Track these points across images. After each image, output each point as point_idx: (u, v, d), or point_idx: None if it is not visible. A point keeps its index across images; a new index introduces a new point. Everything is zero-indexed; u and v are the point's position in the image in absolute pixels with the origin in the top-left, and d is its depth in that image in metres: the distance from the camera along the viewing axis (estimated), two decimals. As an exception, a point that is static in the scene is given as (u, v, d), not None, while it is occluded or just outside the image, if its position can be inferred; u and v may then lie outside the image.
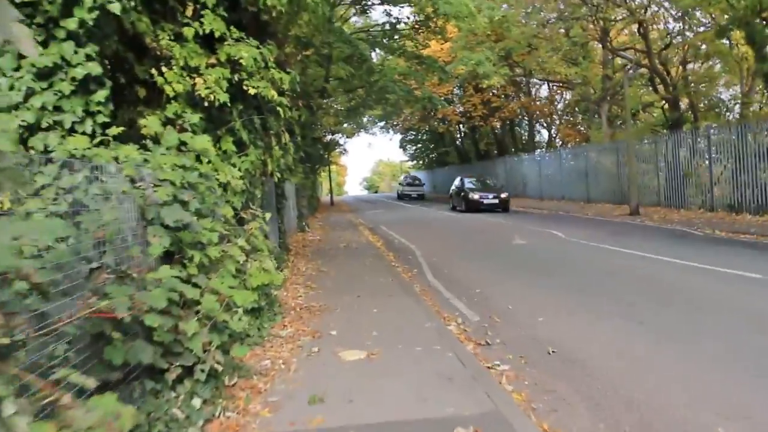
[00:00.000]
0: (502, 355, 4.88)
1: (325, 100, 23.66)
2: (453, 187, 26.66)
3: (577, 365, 4.43)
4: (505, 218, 18.82)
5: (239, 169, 5.53)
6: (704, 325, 5.33)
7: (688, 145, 18.69)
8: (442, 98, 31.43)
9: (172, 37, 5.33)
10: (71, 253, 2.57)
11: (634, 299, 6.41)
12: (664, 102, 26.25)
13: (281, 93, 6.09)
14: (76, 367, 2.33)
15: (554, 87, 34.38)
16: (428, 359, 4.55)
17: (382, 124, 48.60)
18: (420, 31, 24.03)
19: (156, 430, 2.93)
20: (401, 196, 42.10)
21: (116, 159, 3.35)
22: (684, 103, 25.12)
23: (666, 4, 22.42)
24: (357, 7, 23.53)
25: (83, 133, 3.80)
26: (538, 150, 36.21)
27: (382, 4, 22.46)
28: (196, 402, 3.32)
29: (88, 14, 4.12)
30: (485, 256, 10.79)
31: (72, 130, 3.92)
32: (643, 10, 22.18)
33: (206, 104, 5.55)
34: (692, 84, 24.92)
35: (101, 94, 4.11)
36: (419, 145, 56.31)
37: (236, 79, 5.79)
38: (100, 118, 4.08)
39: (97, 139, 3.62)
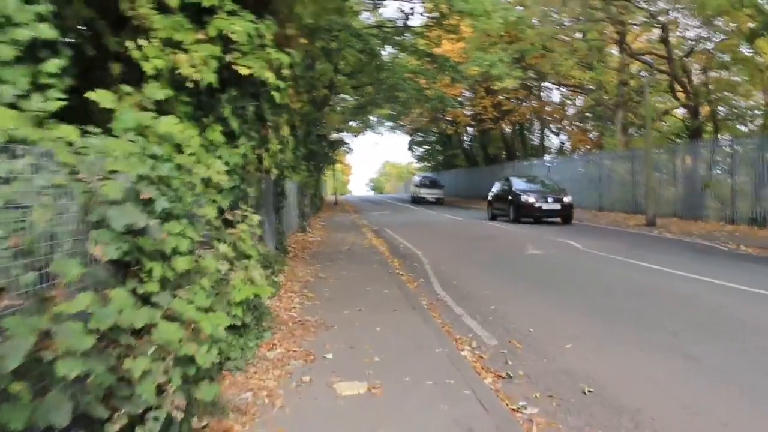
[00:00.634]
0: (528, 392, 4.11)
1: (332, 95, 22.85)
2: (494, 191, 21.04)
3: (626, 415, 3.60)
4: (514, 225, 17.98)
5: (227, 163, 4.75)
6: None
7: (708, 155, 17.92)
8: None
9: (155, 5, 4.57)
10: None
11: (675, 327, 5.59)
12: (683, 110, 25.41)
13: (280, 77, 5.31)
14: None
15: (566, 92, 33.54)
16: (441, 398, 3.78)
17: (390, 124, 47.43)
18: (433, 28, 23.24)
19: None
20: (416, 200, 36.21)
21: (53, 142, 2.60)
22: (704, 112, 24.25)
23: (686, 11, 21.57)
24: (368, 2, 22.75)
25: (24, 111, 3.02)
26: (548, 156, 35.34)
27: (396, -1, 21.67)
28: (147, 459, 2.55)
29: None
30: (497, 267, 10.00)
31: (13, 106, 3.15)
32: (665, 15, 21.33)
33: (193, 86, 4.78)
34: (713, 92, 24.05)
35: (54, 64, 3.34)
36: (427, 147, 55.45)
37: (229, 60, 5.02)
38: (52, 94, 3.32)
39: (28, 115, 2.85)
